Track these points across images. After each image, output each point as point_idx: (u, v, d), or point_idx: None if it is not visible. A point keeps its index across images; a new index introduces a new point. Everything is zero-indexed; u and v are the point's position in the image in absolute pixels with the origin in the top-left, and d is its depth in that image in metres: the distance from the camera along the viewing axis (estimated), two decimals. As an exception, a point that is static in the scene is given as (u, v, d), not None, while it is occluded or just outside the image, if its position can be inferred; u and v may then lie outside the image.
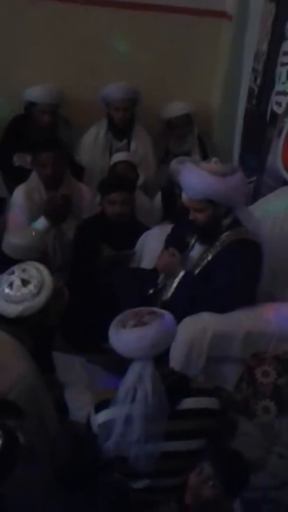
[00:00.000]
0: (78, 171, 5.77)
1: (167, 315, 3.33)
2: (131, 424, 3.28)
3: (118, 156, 5.75)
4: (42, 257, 4.03)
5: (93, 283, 4.74)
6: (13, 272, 3.68)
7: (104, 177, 5.36)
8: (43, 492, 3.08)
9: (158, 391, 3.25)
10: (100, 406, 3.40)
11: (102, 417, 3.37)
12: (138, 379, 3.26)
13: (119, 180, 5.12)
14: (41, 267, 3.75)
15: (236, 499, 3.20)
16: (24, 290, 3.61)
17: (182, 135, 6.19)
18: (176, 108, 6.15)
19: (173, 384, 3.33)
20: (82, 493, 3.04)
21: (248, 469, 3.11)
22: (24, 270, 3.68)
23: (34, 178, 5.25)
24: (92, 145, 6.08)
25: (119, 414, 3.30)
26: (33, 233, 4.45)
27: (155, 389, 3.24)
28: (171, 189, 5.45)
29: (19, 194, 5.26)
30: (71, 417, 4.13)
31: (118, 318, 3.35)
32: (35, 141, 5.49)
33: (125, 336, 3.26)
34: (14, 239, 4.35)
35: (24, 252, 4.09)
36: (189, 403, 3.35)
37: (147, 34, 6.24)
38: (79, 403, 4.18)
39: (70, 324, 4.59)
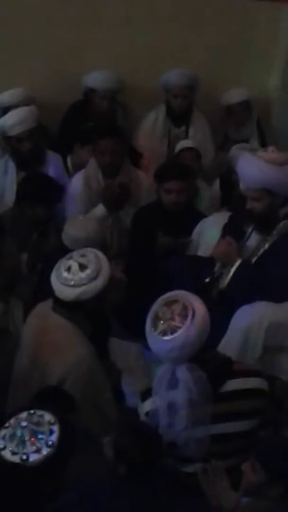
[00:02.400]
0: (137, 158, 5.77)
1: (199, 313, 3.30)
2: (176, 412, 3.32)
3: (184, 143, 5.72)
4: (101, 248, 4.04)
5: (150, 270, 4.76)
6: (71, 257, 3.75)
7: (160, 164, 5.32)
8: (103, 477, 3.14)
9: (198, 378, 3.28)
10: (145, 394, 3.46)
11: (147, 406, 3.43)
12: (172, 373, 3.31)
13: (175, 168, 5.07)
14: (99, 254, 3.81)
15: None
16: (82, 275, 3.67)
17: (241, 122, 6.15)
18: (235, 95, 6.11)
19: (215, 367, 3.35)
20: (140, 479, 3.09)
21: None
22: (82, 255, 3.75)
23: (92, 165, 5.27)
24: (150, 131, 6.07)
25: (160, 403, 3.34)
26: (85, 222, 4.45)
27: (193, 377, 3.27)
28: (230, 176, 5.43)
29: (77, 182, 5.29)
30: (128, 403, 4.18)
31: (152, 311, 3.37)
32: (94, 129, 5.52)
33: (155, 343, 3.32)
34: (73, 231, 4.38)
35: (83, 243, 4.12)
36: (233, 384, 3.38)
37: (206, 20, 6.22)
38: (135, 389, 4.21)
39: (128, 310, 4.63)
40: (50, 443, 2.76)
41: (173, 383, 3.32)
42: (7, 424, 2.80)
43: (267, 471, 3.02)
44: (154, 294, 4.45)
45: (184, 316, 3.27)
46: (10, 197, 5.21)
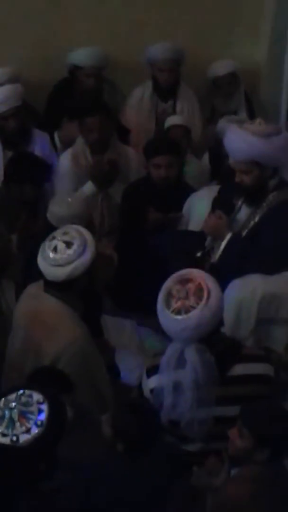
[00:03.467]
0: (124, 134, 5.74)
1: (214, 294, 3.28)
2: (181, 391, 3.32)
3: (172, 120, 5.70)
4: (88, 225, 4.02)
5: (142, 246, 4.75)
6: (54, 237, 3.73)
7: (149, 139, 5.29)
8: (99, 455, 3.15)
9: (206, 360, 3.27)
10: (151, 370, 3.44)
11: (153, 382, 3.42)
12: (180, 353, 3.30)
13: (164, 143, 5.05)
14: (81, 228, 3.80)
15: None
16: (69, 251, 3.66)
17: (228, 94, 6.11)
18: (221, 67, 6.06)
19: (223, 350, 3.35)
20: (139, 456, 3.10)
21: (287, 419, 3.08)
22: (65, 233, 3.74)
23: (80, 143, 5.25)
24: (137, 106, 6.04)
25: (166, 382, 3.34)
26: (69, 200, 4.42)
27: (201, 359, 3.26)
28: (219, 150, 5.39)
29: (65, 160, 5.28)
30: (123, 380, 4.18)
31: (165, 288, 3.33)
32: (81, 106, 5.49)
33: (168, 322, 3.29)
34: (57, 209, 4.36)
35: (69, 221, 4.10)
36: (240, 369, 3.38)
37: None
38: (130, 366, 4.23)
39: (120, 287, 4.64)
40: (39, 422, 2.75)
41: (181, 362, 3.31)
42: None
43: (254, 436, 3.03)
44: (146, 270, 4.49)
45: (199, 297, 3.25)
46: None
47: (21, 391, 2.84)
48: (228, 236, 4.20)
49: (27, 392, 2.83)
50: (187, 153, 5.41)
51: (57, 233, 3.75)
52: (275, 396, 3.49)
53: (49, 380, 3.28)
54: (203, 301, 3.23)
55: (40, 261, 3.70)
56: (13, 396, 2.83)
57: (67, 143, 5.44)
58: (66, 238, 3.70)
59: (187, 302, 3.24)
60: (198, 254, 4.29)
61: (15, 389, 2.87)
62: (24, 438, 2.74)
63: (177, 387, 3.33)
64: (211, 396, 3.32)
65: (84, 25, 6.05)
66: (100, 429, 3.20)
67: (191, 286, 3.28)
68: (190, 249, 4.34)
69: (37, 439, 2.74)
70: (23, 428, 2.75)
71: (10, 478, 2.79)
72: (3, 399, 2.83)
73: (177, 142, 5.14)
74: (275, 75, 6.11)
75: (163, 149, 4.92)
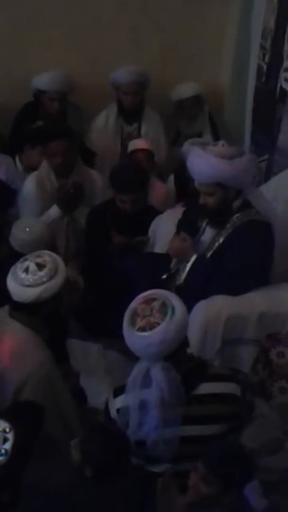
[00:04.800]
0: (89, 157, 5.75)
1: (179, 311, 3.28)
2: (147, 411, 3.31)
3: (136, 144, 5.71)
4: (50, 249, 4.01)
5: (107, 270, 4.75)
6: (27, 259, 3.72)
7: (115, 169, 5.18)
8: (68, 481, 3.12)
9: (171, 379, 3.26)
10: (118, 390, 3.43)
11: (119, 402, 3.40)
12: (146, 372, 3.29)
13: (130, 180, 4.95)
14: (53, 254, 3.81)
15: (243, 490, 3.16)
16: (41, 273, 3.65)
17: (192, 116, 6.17)
18: (185, 89, 6.12)
19: (190, 369, 3.34)
20: (109, 480, 3.07)
21: (249, 461, 3.08)
22: (38, 256, 3.74)
23: (44, 166, 5.24)
24: (102, 130, 6.07)
25: (132, 401, 3.32)
26: (27, 229, 4.41)
27: (166, 377, 3.25)
28: (183, 172, 5.42)
29: (30, 184, 5.25)
30: (90, 404, 4.16)
31: (131, 308, 3.34)
32: (45, 130, 5.50)
33: (133, 339, 3.28)
34: (19, 233, 4.34)
35: (32, 246, 4.09)
36: (207, 388, 3.36)
37: (154, 15, 6.23)
38: (97, 390, 4.20)
39: (87, 311, 4.62)
40: (3, 451, 2.73)
41: (146, 381, 3.29)
42: None
43: (221, 482, 3.01)
44: (112, 293, 4.49)
45: (163, 313, 3.25)
46: None
47: None
48: (193, 258, 4.22)
49: None
50: (151, 176, 5.41)
51: (30, 256, 3.75)
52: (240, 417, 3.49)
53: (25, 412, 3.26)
54: (167, 317, 3.24)
55: (10, 281, 3.68)
56: None
57: (29, 169, 5.44)
58: (39, 260, 3.69)
59: (151, 319, 3.25)
60: (164, 277, 4.31)
61: None
62: None
63: (143, 406, 3.32)
64: (177, 415, 3.30)
65: (49, 49, 6.07)
66: (67, 455, 3.18)
67: (155, 304, 3.29)
68: (155, 271, 4.35)
69: (0, 468, 2.71)
70: None
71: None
72: None
73: (142, 171, 5.10)
74: (239, 98, 6.16)
75: (128, 187, 4.89)
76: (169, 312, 3.25)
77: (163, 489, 3.14)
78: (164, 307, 3.27)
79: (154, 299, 3.31)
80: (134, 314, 3.30)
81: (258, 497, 3.09)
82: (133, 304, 3.36)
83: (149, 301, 3.32)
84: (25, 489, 2.84)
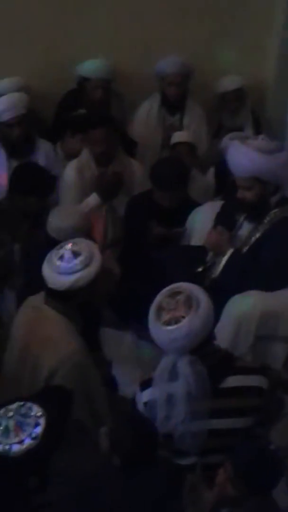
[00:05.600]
0: (131, 146, 5.75)
1: (204, 304, 3.28)
2: (174, 404, 3.31)
3: (179, 137, 5.70)
4: (87, 237, 4.03)
5: (144, 260, 4.76)
6: (62, 246, 3.74)
7: (156, 165, 5.10)
8: (95, 469, 3.15)
9: (198, 372, 3.26)
10: (145, 384, 3.44)
11: (146, 395, 3.41)
12: (173, 365, 3.29)
13: (171, 178, 4.88)
14: (89, 242, 3.83)
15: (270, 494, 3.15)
16: (76, 261, 3.67)
17: (235, 109, 6.13)
18: (229, 82, 6.09)
19: (216, 362, 3.34)
20: (136, 470, 3.09)
21: (279, 465, 3.05)
22: (73, 244, 3.75)
23: (85, 154, 5.26)
24: (145, 120, 6.07)
25: (159, 395, 3.33)
26: (63, 217, 4.40)
27: (193, 371, 3.25)
28: (224, 165, 5.39)
29: (70, 171, 5.28)
30: (120, 393, 4.18)
31: (156, 302, 3.34)
32: (87, 118, 5.51)
33: (159, 333, 3.29)
34: (58, 221, 4.36)
35: (68, 233, 4.11)
36: (233, 381, 3.36)
37: (200, 7, 6.19)
38: (128, 379, 4.22)
39: (121, 299, 4.64)
40: (34, 435, 2.75)
41: (173, 375, 3.29)
42: None
43: (248, 486, 3.01)
44: (148, 283, 4.48)
45: (188, 306, 3.25)
46: (1, 186, 5.19)
47: (22, 402, 2.84)
48: (229, 252, 4.21)
49: (28, 404, 2.84)
50: (192, 169, 5.40)
51: (66, 243, 3.77)
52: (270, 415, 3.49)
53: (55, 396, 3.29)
54: (193, 310, 3.23)
55: (45, 268, 3.71)
56: (13, 406, 2.83)
57: (69, 156, 5.46)
58: (74, 248, 3.71)
59: (177, 312, 3.25)
60: (199, 269, 4.30)
61: (17, 400, 2.88)
62: (16, 448, 2.73)
63: (170, 400, 3.32)
64: (204, 408, 3.30)
65: (94, 37, 6.07)
66: (96, 443, 3.20)
67: (180, 297, 3.28)
68: (191, 264, 4.35)
69: (29, 451, 2.73)
70: (17, 439, 2.75)
71: (1, 488, 2.79)
72: (4, 408, 2.83)
73: (184, 168, 5.06)
74: (282, 92, 6.11)
75: (168, 186, 4.86)
76: (194, 305, 3.25)
77: (192, 484, 3.16)
78: (189, 301, 3.26)
79: (179, 293, 3.31)
80: (159, 308, 3.31)
81: (286, 497, 3.09)
82: (158, 298, 3.36)
83: (174, 294, 3.31)
84: (52, 475, 2.86)
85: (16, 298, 4.45)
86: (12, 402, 2.88)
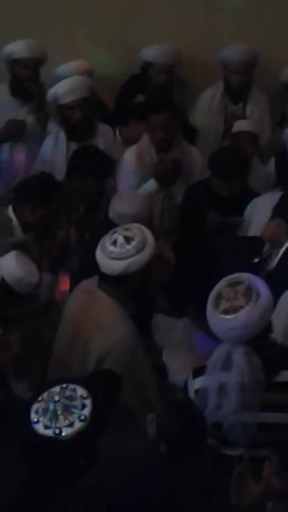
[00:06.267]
0: (191, 133, 5.73)
1: (264, 295, 3.27)
2: (226, 394, 3.30)
3: (240, 126, 5.64)
4: (147, 224, 4.03)
5: (200, 249, 4.73)
6: (116, 231, 3.75)
7: (216, 153, 5.05)
8: (141, 455, 3.15)
9: (253, 363, 3.25)
10: (197, 371, 3.43)
11: (198, 383, 3.40)
12: (227, 355, 3.27)
13: (230, 168, 4.84)
14: (143, 227, 3.82)
15: None
16: (128, 247, 3.68)
17: (299, 100, 6.06)
18: (294, 71, 6.02)
19: (272, 355, 3.32)
20: (182, 458, 3.09)
21: None
22: (127, 229, 3.76)
23: (145, 140, 5.25)
24: (207, 107, 6.03)
25: (211, 383, 3.32)
26: (128, 202, 4.40)
27: (248, 362, 3.24)
28: (286, 156, 5.35)
29: (129, 156, 5.28)
30: (170, 380, 4.17)
31: (215, 291, 3.33)
32: (149, 103, 5.50)
33: (216, 322, 3.28)
34: (120, 206, 4.36)
35: (130, 219, 4.11)
36: (287, 375, 3.33)
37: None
38: (178, 366, 4.20)
39: (175, 286, 4.62)
40: (82, 417, 2.76)
41: (227, 364, 3.29)
42: (39, 398, 2.81)
43: None
44: (203, 272, 4.47)
45: (248, 297, 3.24)
46: (60, 168, 5.22)
47: (64, 385, 2.85)
48: (287, 244, 4.16)
49: (71, 386, 2.84)
50: (252, 159, 5.34)
51: (119, 228, 3.79)
52: None
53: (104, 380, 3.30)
54: (252, 301, 3.22)
55: (99, 253, 3.73)
56: (56, 389, 2.84)
57: (129, 141, 5.45)
58: (128, 233, 3.72)
59: (236, 302, 3.24)
60: (255, 260, 4.27)
61: (59, 382, 2.89)
62: (66, 431, 2.74)
63: (222, 389, 3.31)
64: (256, 400, 3.28)
65: (159, 22, 6.07)
66: (143, 429, 3.20)
67: (240, 287, 3.28)
68: (247, 254, 4.31)
69: (79, 434, 2.74)
70: (66, 422, 2.76)
71: (50, 470, 2.80)
72: (47, 391, 2.85)
73: (244, 158, 5.01)
74: None
75: (228, 175, 4.82)
76: (254, 296, 3.24)
77: (239, 475, 3.13)
78: (249, 291, 3.25)
79: (239, 283, 3.30)
80: (219, 297, 3.30)
81: None
82: (218, 287, 3.35)
83: (234, 284, 3.30)
84: (99, 458, 2.87)
85: (70, 281, 4.47)
86: (53, 384, 2.88)
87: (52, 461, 2.77)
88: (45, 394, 2.82)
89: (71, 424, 2.74)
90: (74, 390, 2.81)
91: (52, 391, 2.82)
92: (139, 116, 5.49)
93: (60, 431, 2.73)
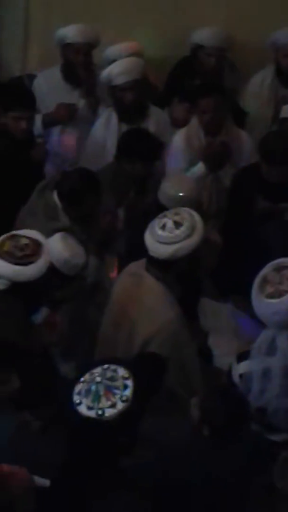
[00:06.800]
0: (241, 117, 5.70)
1: None
2: (270, 378, 3.29)
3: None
4: (196, 208, 4.03)
5: (247, 234, 4.73)
6: (165, 216, 3.76)
7: (265, 138, 4.99)
8: (184, 438, 3.17)
9: None
10: (242, 356, 3.42)
11: (242, 368, 3.39)
12: (272, 340, 3.27)
13: (280, 152, 4.77)
14: (193, 212, 3.82)
15: None
16: (177, 231, 3.69)
17: None
18: None
19: None
20: (225, 441, 3.10)
21: None
22: (176, 213, 3.76)
23: (194, 123, 5.23)
24: (257, 91, 5.96)
25: (256, 368, 3.31)
26: (179, 186, 4.39)
27: None
28: None
29: (178, 139, 5.27)
30: (215, 364, 4.18)
31: (261, 275, 3.32)
32: (198, 86, 5.48)
33: (261, 306, 3.26)
34: (170, 189, 4.36)
35: (180, 202, 4.11)
36: None
37: None
38: (224, 350, 4.21)
39: (222, 270, 4.62)
40: (124, 397, 2.77)
41: (272, 349, 3.27)
42: (82, 379, 2.84)
43: None
44: (250, 257, 4.46)
45: None
46: (111, 149, 5.24)
47: (106, 366, 2.87)
48: None
49: (112, 367, 2.86)
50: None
51: (169, 212, 3.80)
52: None
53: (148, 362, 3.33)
54: None
55: (147, 236, 3.75)
56: (98, 370, 2.85)
57: (178, 124, 5.45)
58: (177, 218, 3.73)
59: (281, 286, 3.22)
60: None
61: (99, 363, 2.91)
62: (109, 412, 2.76)
63: (266, 373, 3.29)
64: None
65: (210, 5, 6.02)
66: (186, 412, 3.22)
67: (286, 272, 3.25)
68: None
69: (122, 414, 2.76)
70: (109, 403, 2.77)
71: (93, 451, 2.83)
72: (88, 372, 2.87)
73: None
74: None
75: (277, 160, 4.76)
76: None
77: (284, 460, 3.14)
78: None
79: (285, 267, 3.28)
80: (264, 281, 3.28)
81: None
82: (263, 271, 3.33)
83: (280, 268, 3.28)
84: (141, 440, 2.89)
85: (117, 264, 4.50)
86: (94, 365, 2.90)
87: (95, 442, 2.79)
88: (87, 375, 2.84)
89: (113, 405, 2.76)
90: (115, 370, 2.82)
91: (94, 372, 2.83)
92: (189, 99, 5.49)
93: (103, 412, 2.75)
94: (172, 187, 4.40)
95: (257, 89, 5.96)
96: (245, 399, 3.29)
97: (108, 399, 2.76)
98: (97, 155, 5.33)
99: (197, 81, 5.78)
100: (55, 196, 4.48)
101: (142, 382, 2.82)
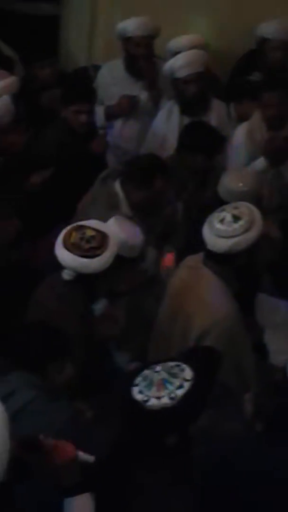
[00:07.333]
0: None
1: None
2: None
3: None
4: (257, 203, 4.01)
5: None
6: (224, 209, 3.75)
7: None
8: (237, 433, 3.17)
9: None
10: None
11: None
12: None
13: None
14: (252, 207, 3.80)
15: None
16: (236, 226, 3.67)
17: None
18: None
19: None
20: (278, 437, 3.07)
21: None
22: (235, 208, 3.75)
23: (257, 117, 5.20)
24: None
25: None
26: (240, 180, 4.35)
27: None
28: None
29: (240, 133, 5.24)
30: (271, 361, 4.16)
31: None
32: (262, 80, 5.45)
33: None
34: (230, 183, 4.34)
35: (239, 196, 4.09)
36: None
37: None
38: (280, 347, 4.19)
39: (279, 266, 4.59)
40: (172, 395, 2.76)
41: None
42: (153, 366, 2.82)
43: None
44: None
45: None
46: (172, 142, 5.23)
47: (179, 363, 2.85)
48: None
49: (183, 366, 2.85)
50: None
51: (228, 206, 3.78)
52: None
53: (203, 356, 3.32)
54: None
55: (206, 230, 3.74)
56: (171, 363, 2.86)
57: (243, 119, 5.42)
58: (236, 212, 3.71)
59: None
60: None
61: (172, 360, 2.90)
62: (153, 402, 2.75)
63: None
64: None
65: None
66: (240, 408, 3.21)
67: None
68: None
69: (163, 409, 2.74)
70: (156, 394, 2.78)
71: (135, 436, 2.84)
72: (162, 363, 2.87)
73: None
74: None
75: None
76: None
77: None
78: None
79: None
80: None
81: None
82: None
83: None
84: (196, 435, 2.89)
85: (175, 257, 4.50)
86: (170, 359, 2.90)
87: (138, 427, 2.80)
88: (160, 365, 2.85)
89: (159, 398, 2.76)
90: (182, 370, 2.82)
91: (166, 364, 2.84)
92: (253, 93, 5.45)
93: (148, 400, 2.75)
94: (232, 181, 4.39)
95: None
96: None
97: (158, 390, 2.76)
98: (158, 148, 5.31)
99: (262, 75, 5.74)
100: (117, 186, 4.49)
101: (198, 386, 2.80)
